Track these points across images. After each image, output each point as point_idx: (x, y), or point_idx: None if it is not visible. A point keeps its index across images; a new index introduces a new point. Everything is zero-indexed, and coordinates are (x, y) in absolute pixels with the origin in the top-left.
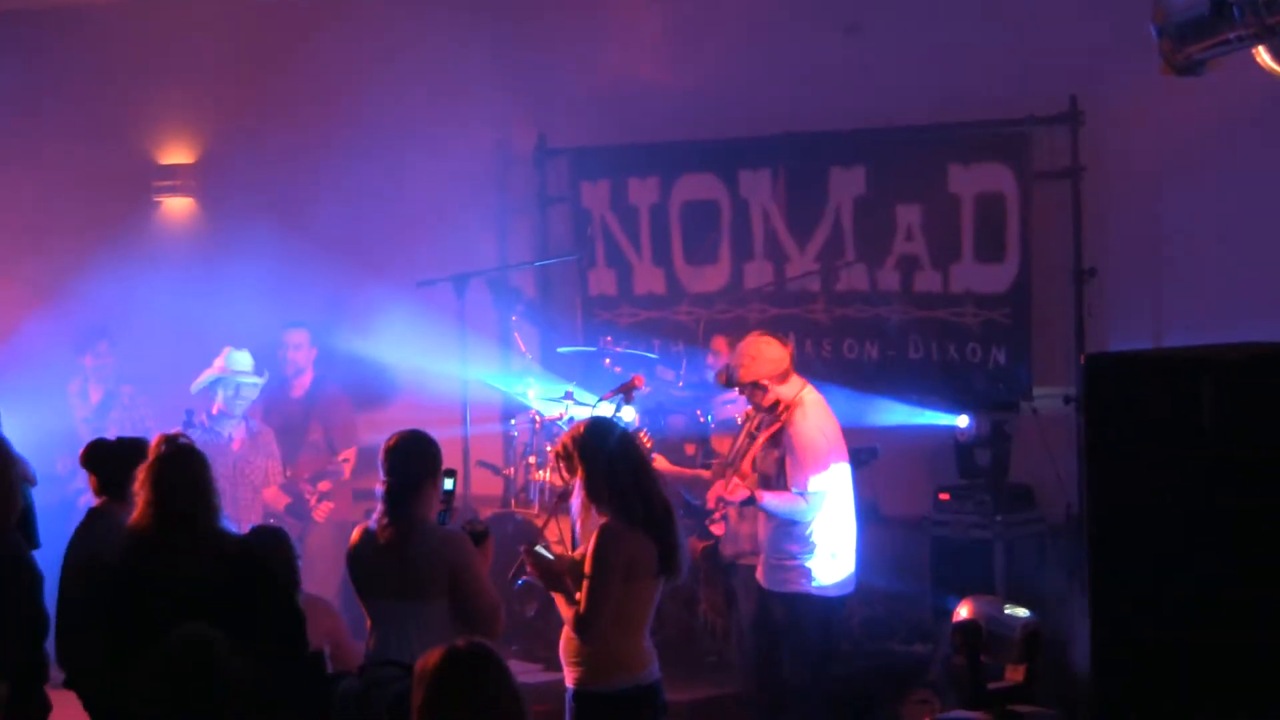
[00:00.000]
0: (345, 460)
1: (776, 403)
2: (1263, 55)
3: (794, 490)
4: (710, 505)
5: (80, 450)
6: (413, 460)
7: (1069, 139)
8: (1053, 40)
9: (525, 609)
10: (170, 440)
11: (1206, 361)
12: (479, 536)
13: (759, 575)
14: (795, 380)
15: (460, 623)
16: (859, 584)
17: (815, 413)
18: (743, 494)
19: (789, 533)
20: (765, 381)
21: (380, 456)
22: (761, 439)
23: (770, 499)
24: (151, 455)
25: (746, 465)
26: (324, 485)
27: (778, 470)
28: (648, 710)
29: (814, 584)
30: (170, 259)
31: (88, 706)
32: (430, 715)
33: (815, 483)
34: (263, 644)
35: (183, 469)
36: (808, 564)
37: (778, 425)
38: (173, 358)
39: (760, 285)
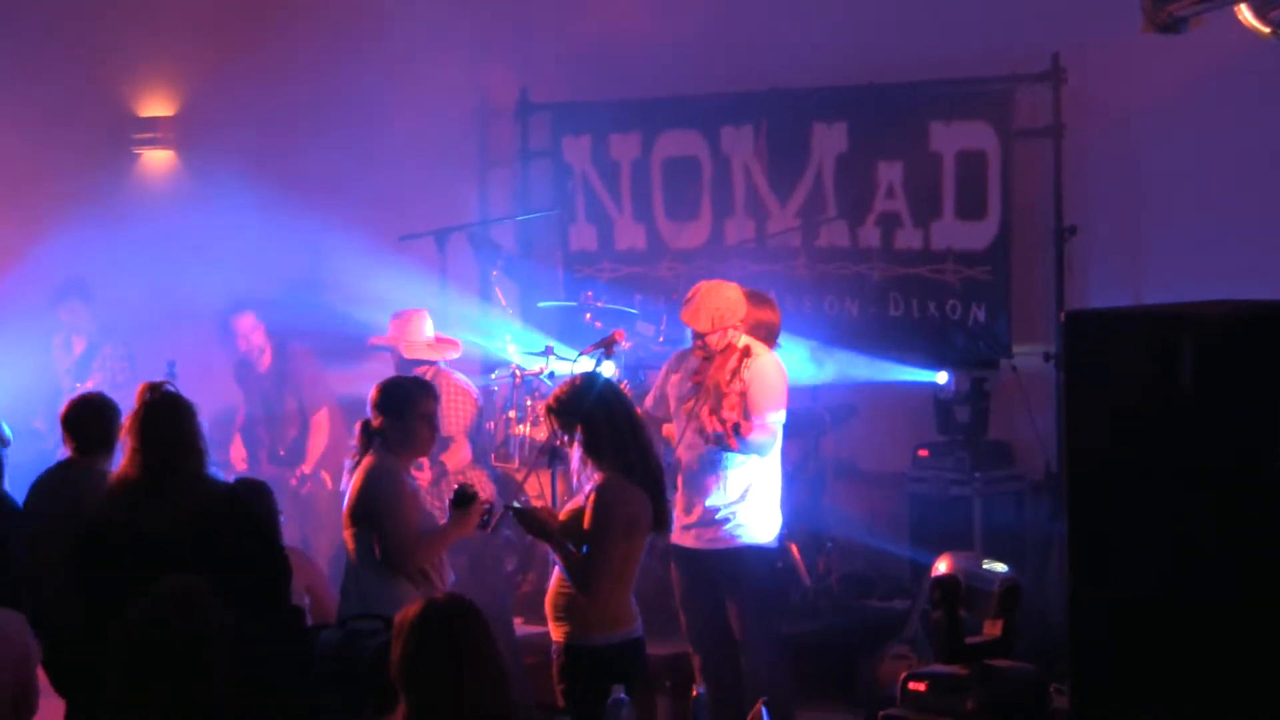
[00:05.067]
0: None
1: (729, 346)
2: (1244, 12)
3: (756, 422)
4: (719, 428)
5: (60, 410)
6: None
7: (1051, 97)
8: None
9: (505, 563)
10: (155, 388)
11: (1186, 319)
12: (465, 499)
13: (679, 539)
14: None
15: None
16: (838, 540)
17: (770, 355)
18: (735, 417)
19: (720, 484)
20: (736, 326)
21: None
22: (726, 381)
23: (746, 429)
24: (137, 403)
25: (706, 414)
26: (302, 469)
27: (741, 411)
28: (633, 664)
29: (754, 535)
30: (150, 212)
31: (61, 677)
32: (409, 668)
33: (777, 417)
34: (246, 593)
35: (168, 416)
36: (743, 515)
37: (737, 364)
38: (152, 311)
39: (741, 241)
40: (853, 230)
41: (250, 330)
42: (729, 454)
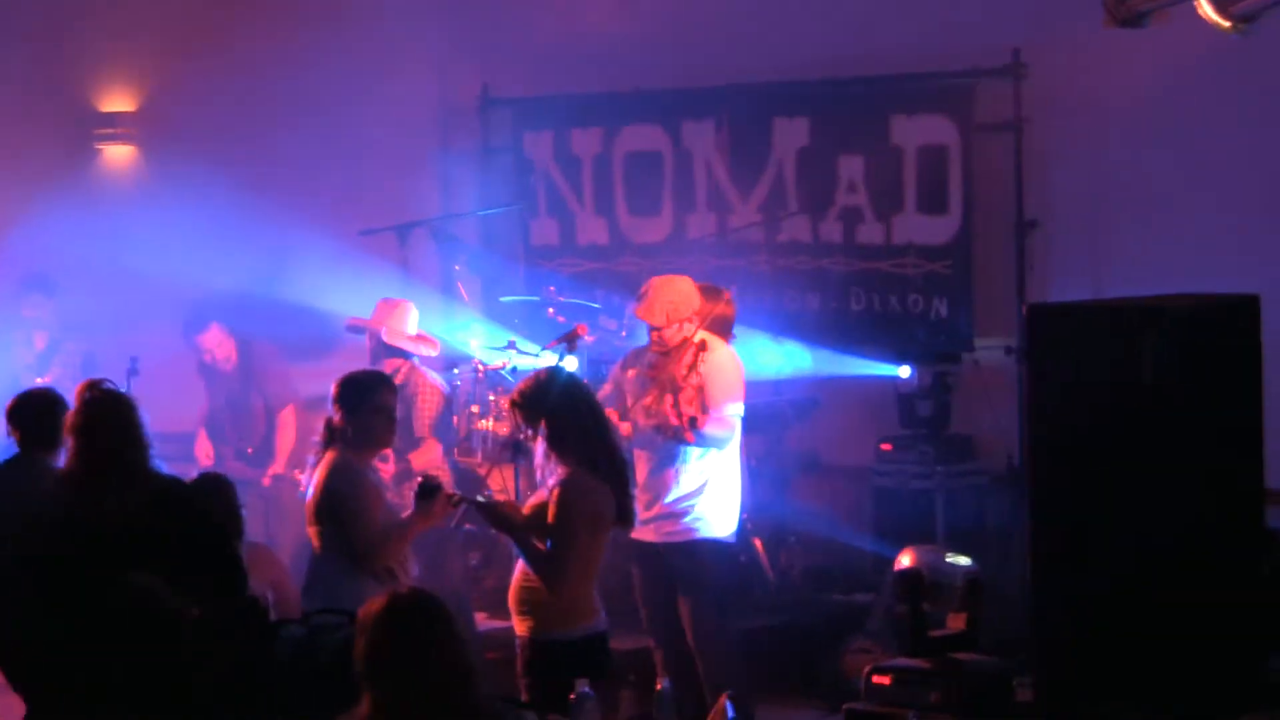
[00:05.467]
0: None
1: (684, 341)
2: (1204, 6)
3: (714, 415)
4: (676, 421)
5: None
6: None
7: (1011, 91)
8: None
9: (468, 558)
10: (94, 385)
11: (1148, 312)
12: (430, 490)
13: (639, 533)
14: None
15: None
16: (801, 534)
17: (726, 349)
18: (693, 411)
19: (678, 478)
20: (690, 320)
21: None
22: (682, 376)
23: (704, 422)
24: (76, 402)
25: (665, 408)
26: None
27: (699, 405)
28: (597, 658)
29: (709, 529)
30: (112, 207)
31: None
32: (373, 662)
33: (734, 409)
34: (197, 586)
35: (109, 412)
36: (701, 509)
37: (694, 359)
38: (115, 307)
39: (703, 236)
40: (814, 225)
41: (216, 344)
42: (686, 448)
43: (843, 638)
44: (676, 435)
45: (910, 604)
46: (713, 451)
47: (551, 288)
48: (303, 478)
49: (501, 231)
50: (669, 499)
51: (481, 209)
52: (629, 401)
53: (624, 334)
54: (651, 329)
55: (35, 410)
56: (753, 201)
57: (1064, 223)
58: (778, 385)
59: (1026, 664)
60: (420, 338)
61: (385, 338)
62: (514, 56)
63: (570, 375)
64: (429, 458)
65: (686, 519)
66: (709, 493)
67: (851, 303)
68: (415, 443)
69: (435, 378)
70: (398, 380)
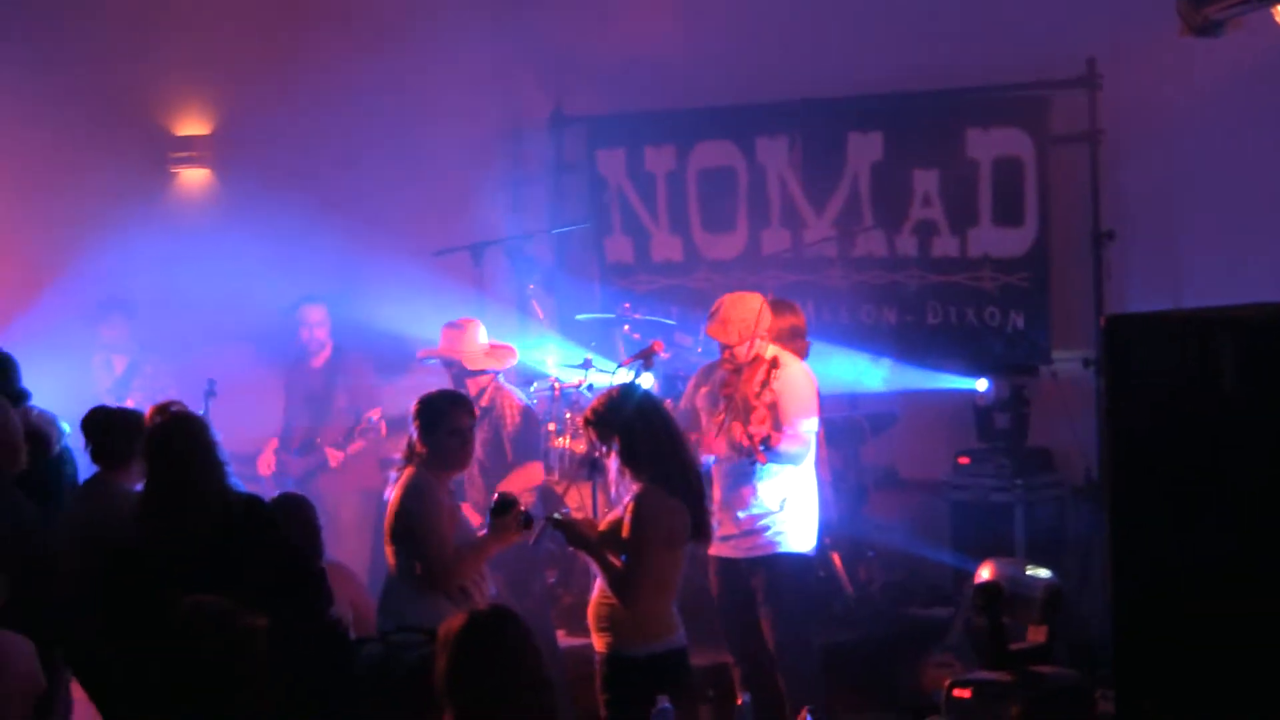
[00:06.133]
0: (379, 419)
1: (756, 358)
2: None
3: (788, 432)
4: (747, 443)
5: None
6: (426, 412)
7: (1086, 102)
8: (1070, 3)
9: (546, 575)
10: (163, 409)
11: (1227, 322)
12: (504, 507)
13: (717, 550)
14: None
15: (414, 575)
16: (879, 548)
17: (798, 365)
18: (765, 431)
19: (756, 494)
20: (762, 337)
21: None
22: (755, 394)
23: (777, 438)
24: (148, 426)
25: (736, 428)
26: (355, 446)
27: (772, 422)
28: (676, 673)
29: (791, 543)
30: (187, 230)
31: (88, 685)
32: (454, 680)
33: (809, 425)
34: (276, 603)
35: (179, 434)
36: (780, 524)
37: (766, 376)
38: (191, 329)
39: (777, 252)
40: (889, 239)
41: (318, 322)
42: (761, 464)
43: (922, 651)
44: (749, 455)
45: (990, 617)
46: (789, 467)
47: (627, 305)
48: (386, 492)
49: (576, 249)
50: (746, 515)
51: (555, 227)
52: (703, 420)
53: (699, 350)
54: (723, 347)
55: (103, 425)
56: (827, 216)
57: (1141, 233)
58: (854, 399)
59: (1107, 676)
60: (495, 348)
61: (468, 365)
62: (586, 74)
63: (643, 391)
64: (528, 478)
65: (766, 534)
66: (787, 508)
67: (928, 316)
68: (508, 464)
69: (519, 395)
70: (483, 402)
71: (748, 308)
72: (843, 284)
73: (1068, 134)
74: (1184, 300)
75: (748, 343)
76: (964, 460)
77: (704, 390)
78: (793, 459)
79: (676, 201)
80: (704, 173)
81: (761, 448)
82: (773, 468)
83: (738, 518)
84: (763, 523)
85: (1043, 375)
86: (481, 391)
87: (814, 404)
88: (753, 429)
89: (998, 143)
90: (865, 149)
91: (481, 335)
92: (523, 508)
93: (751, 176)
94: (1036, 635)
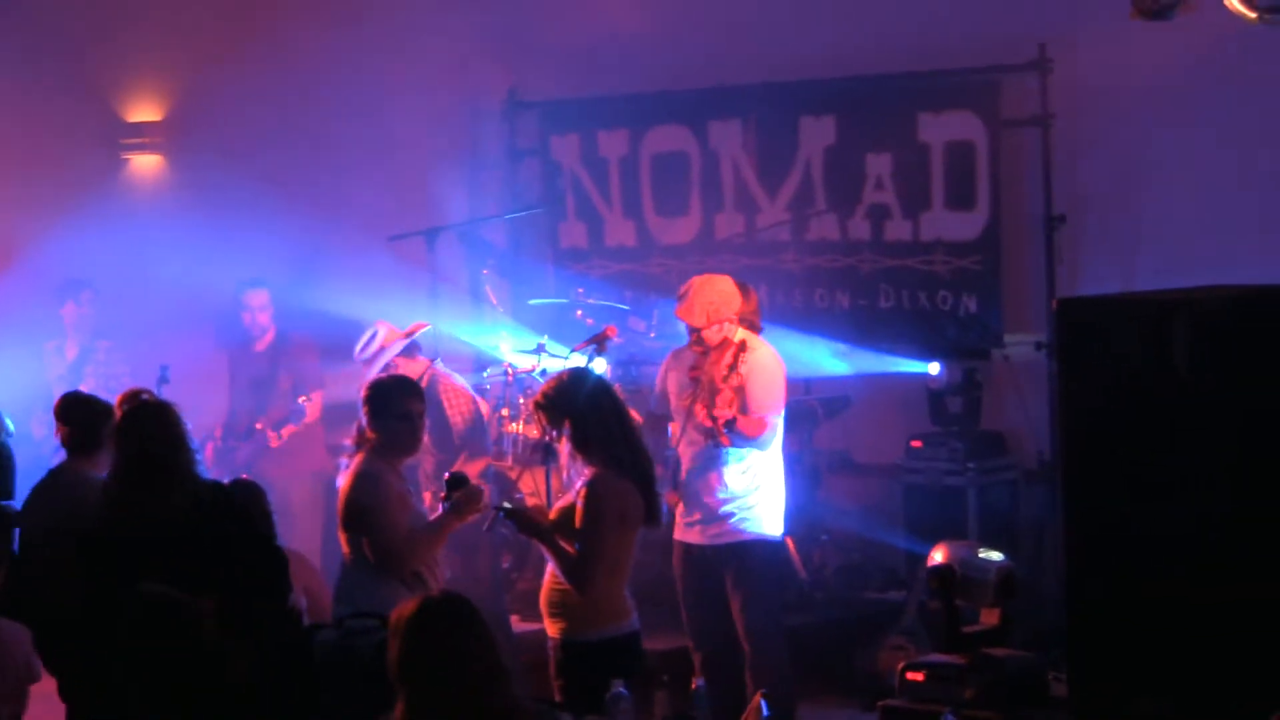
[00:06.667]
0: (307, 400)
1: (725, 340)
2: None
3: (755, 416)
4: (709, 424)
5: (55, 403)
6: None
7: (1038, 86)
8: None
9: (500, 561)
10: (133, 396)
11: (1179, 305)
12: (457, 483)
13: (683, 535)
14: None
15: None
16: (833, 532)
17: (766, 349)
18: (729, 413)
19: (722, 479)
20: (731, 320)
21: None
22: (722, 377)
23: (743, 421)
24: (117, 412)
25: (700, 410)
26: (288, 430)
27: (739, 405)
28: (630, 658)
29: (760, 528)
30: (140, 216)
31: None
32: (407, 666)
33: (775, 411)
34: (243, 590)
35: (150, 421)
36: (752, 509)
37: (733, 359)
38: (144, 315)
39: (731, 236)
40: (842, 222)
41: (260, 306)
42: (729, 449)
43: (877, 635)
44: (712, 437)
45: (944, 600)
46: (755, 451)
47: (580, 290)
48: (338, 479)
49: (530, 234)
50: (713, 500)
51: (509, 212)
52: (672, 403)
53: (653, 335)
54: (691, 329)
55: (78, 412)
56: (780, 200)
57: (1092, 216)
58: (808, 384)
59: (1061, 658)
60: (408, 332)
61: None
62: (540, 58)
63: (593, 375)
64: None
65: (734, 520)
66: (754, 493)
67: (880, 300)
68: (455, 448)
69: (458, 379)
70: (423, 385)
71: (717, 290)
72: (796, 268)
73: (1019, 118)
74: (1135, 284)
75: (716, 325)
76: (917, 444)
77: (674, 374)
78: (758, 444)
79: (630, 186)
80: (657, 157)
81: (725, 430)
82: (740, 452)
83: (705, 503)
84: (729, 508)
85: (995, 359)
86: (418, 379)
87: (781, 388)
88: (717, 411)
89: (949, 127)
90: (818, 133)
91: (369, 337)
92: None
93: (704, 161)
94: (990, 618)
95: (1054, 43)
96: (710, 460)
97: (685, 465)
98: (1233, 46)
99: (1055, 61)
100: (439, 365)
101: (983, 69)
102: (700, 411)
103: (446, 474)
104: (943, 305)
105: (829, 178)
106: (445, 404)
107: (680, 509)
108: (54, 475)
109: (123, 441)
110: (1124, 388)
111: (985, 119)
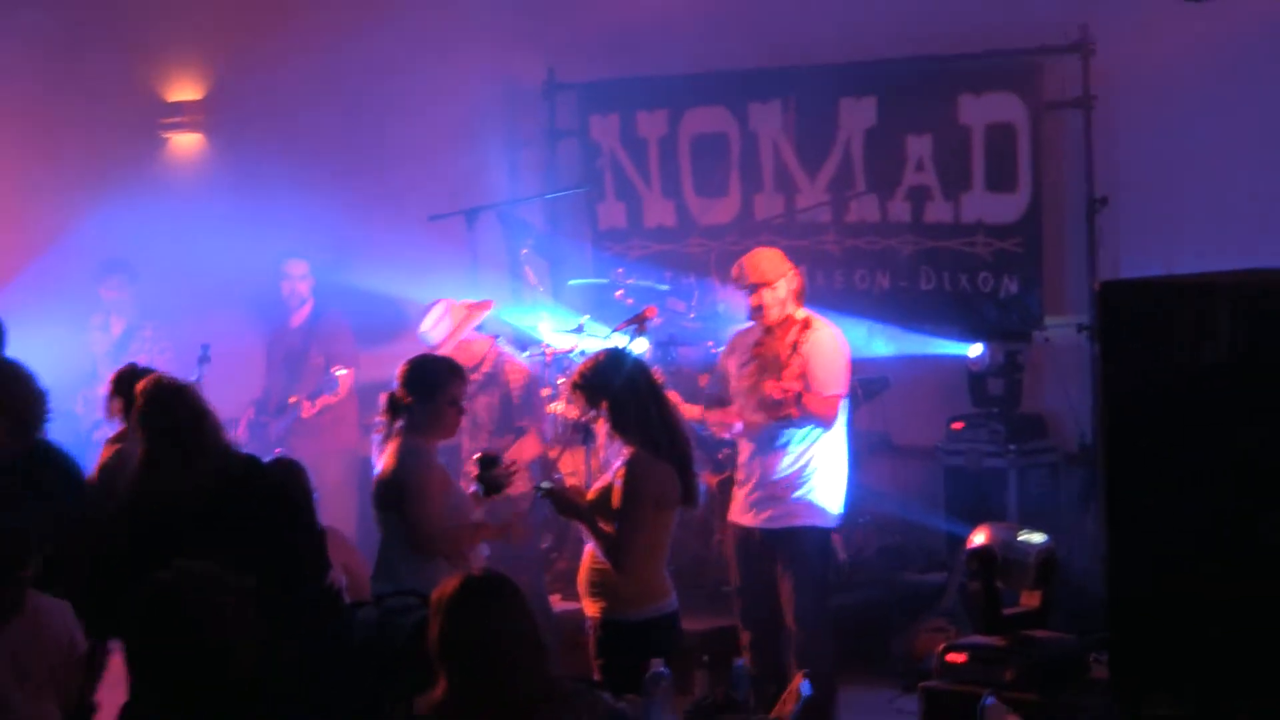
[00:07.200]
0: (340, 373)
1: (787, 319)
2: None
3: (817, 393)
4: (779, 395)
5: (111, 375)
6: (422, 377)
7: (1080, 68)
8: None
9: (540, 541)
10: (144, 376)
11: (1221, 287)
12: (488, 462)
13: (738, 517)
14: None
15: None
16: (874, 514)
17: (829, 328)
18: (797, 385)
19: (781, 461)
20: (780, 282)
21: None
22: (786, 354)
23: (808, 398)
24: (137, 397)
25: (770, 384)
26: (322, 400)
27: (803, 384)
28: (669, 637)
29: (815, 514)
30: (180, 195)
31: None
32: (447, 645)
33: (838, 390)
34: (275, 564)
35: (171, 400)
36: (810, 494)
37: (797, 337)
38: (185, 294)
39: (770, 217)
40: (882, 204)
41: (300, 276)
42: (792, 429)
43: (917, 617)
44: (780, 411)
45: (984, 581)
46: (818, 432)
47: (619, 270)
48: (372, 456)
49: (569, 215)
50: (771, 482)
51: (548, 192)
52: (731, 384)
53: (692, 315)
54: (752, 292)
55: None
56: (820, 182)
57: (1134, 198)
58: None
59: (1101, 641)
60: (469, 310)
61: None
62: (579, 39)
63: (629, 356)
64: (531, 448)
65: (790, 504)
66: (815, 475)
67: (921, 282)
68: (514, 429)
69: (520, 358)
70: (485, 368)
71: (761, 255)
72: (836, 249)
73: (1061, 100)
74: (1177, 266)
75: (771, 285)
76: (957, 426)
77: (735, 355)
78: (822, 422)
79: (669, 167)
80: (697, 138)
81: (794, 402)
82: (802, 434)
83: (764, 485)
84: (786, 491)
85: (1036, 341)
86: (482, 360)
87: (844, 367)
88: (785, 384)
89: (990, 108)
90: (858, 114)
91: (454, 312)
92: (508, 462)
93: (744, 142)
94: (1030, 600)
95: (1096, 24)
96: (771, 441)
97: (746, 446)
98: (1274, 28)
99: (1097, 43)
100: (502, 344)
101: (1024, 51)
102: (770, 385)
103: (479, 453)
104: (983, 287)
105: (869, 159)
106: (511, 384)
107: (738, 490)
108: (120, 456)
109: (149, 417)
110: (1165, 370)
111: (1027, 101)
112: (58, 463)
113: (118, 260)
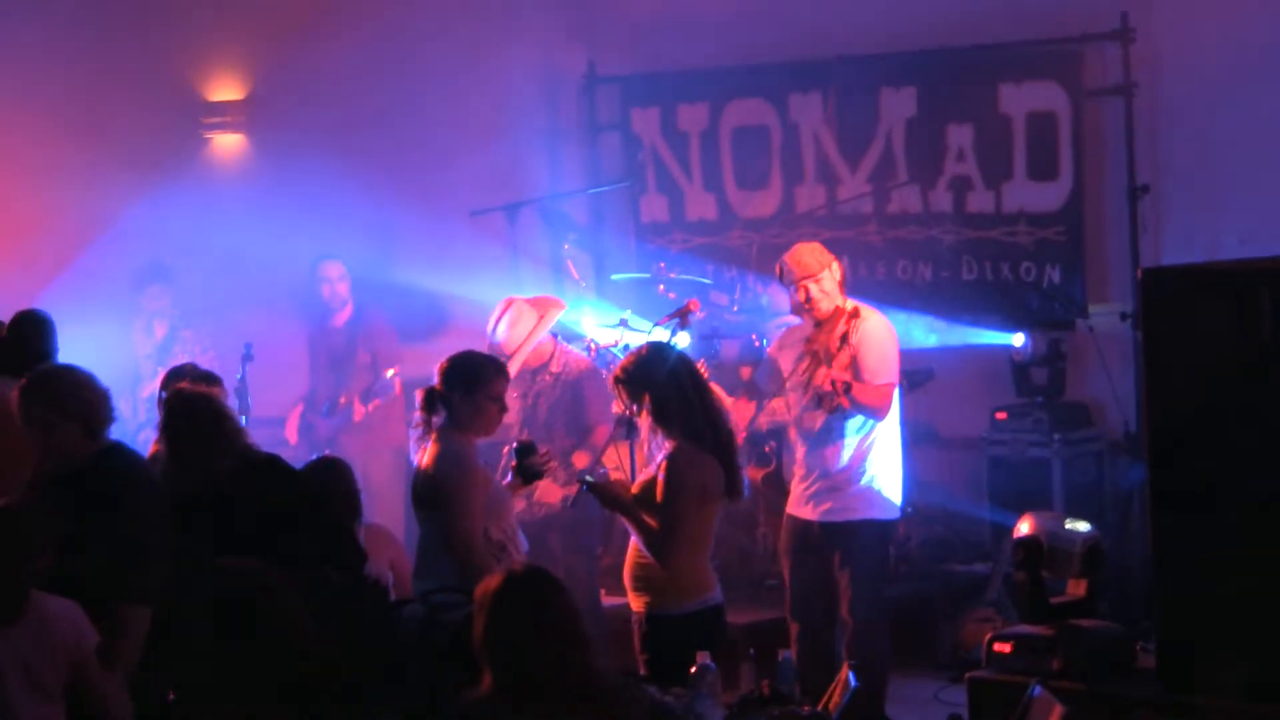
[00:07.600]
0: (392, 375)
1: (836, 310)
2: None
3: (869, 383)
4: (829, 388)
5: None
6: (465, 373)
7: (1120, 55)
8: None
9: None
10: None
11: (1264, 274)
12: (526, 450)
13: (796, 509)
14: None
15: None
16: (918, 505)
17: (878, 317)
18: (846, 376)
19: (838, 455)
20: (824, 274)
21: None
22: (836, 346)
23: (859, 388)
24: (161, 410)
25: (823, 373)
26: (375, 404)
27: (853, 374)
28: (714, 631)
29: (873, 509)
30: (222, 195)
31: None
32: (491, 641)
33: (889, 380)
34: (311, 565)
35: (193, 402)
36: (868, 488)
37: (846, 327)
38: (228, 292)
39: (812, 209)
40: (924, 194)
41: (337, 278)
42: (846, 422)
43: (962, 607)
44: (832, 402)
45: (1029, 571)
46: (872, 425)
47: (662, 264)
48: (412, 454)
49: (611, 209)
50: (830, 474)
51: (590, 187)
52: (784, 379)
53: (735, 309)
54: (798, 285)
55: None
56: (861, 172)
57: (1176, 186)
58: None
59: (1148, 629)
60: (541, 307)
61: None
62: (620, 33)
63: (672, 350)
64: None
65: (848, 498)
66: (871, 469)
67: (963, 272)
68: (584, 427)
69: (582, 354)
70: (554, 368)
71: (803, 248)
72: (878, 240)
73: (1102, 88)
74: (1220, 253)
75: (816, 278)
76: (1001, 416)
77: (786, 351)
78: (874, 413)
79: (710, 160)
80: (738, 130)
81: (844, 393)
82: (857, 426)
83: (821, 478)
84: (842, 483)
85: (1079, 329)
86: (550, 358)
87: (894, 358)
88: (835, 374)
89: (1031, 97)
90: (899, 105)
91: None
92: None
93: (785, 134)
94: (1076, 589)
95: (1136, 11)
96: (827, 435)
97: (802, 440)
98: None
99: (1138, 30)
100: (564, 343)
101: (1065, 39)
102: (821, 374)
103: (515, 441)
104: (1026, 276)
105: (910, 150)
106: (584, 385)
107: (796, 484)
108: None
109: (171, 417)
110: (1209, 358)
111: (1068, 89)
112: (129, 462)
113: (155, 267)
